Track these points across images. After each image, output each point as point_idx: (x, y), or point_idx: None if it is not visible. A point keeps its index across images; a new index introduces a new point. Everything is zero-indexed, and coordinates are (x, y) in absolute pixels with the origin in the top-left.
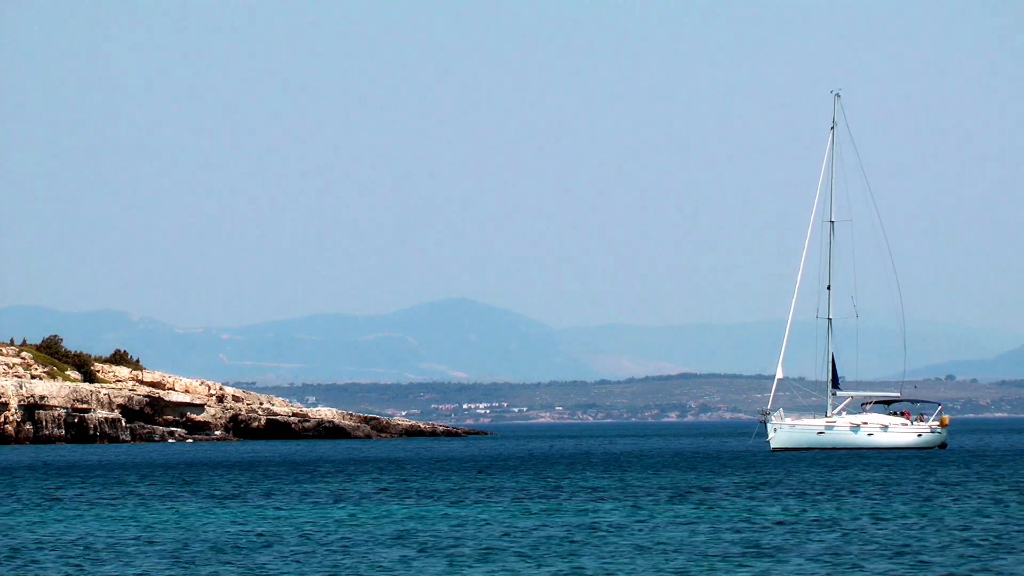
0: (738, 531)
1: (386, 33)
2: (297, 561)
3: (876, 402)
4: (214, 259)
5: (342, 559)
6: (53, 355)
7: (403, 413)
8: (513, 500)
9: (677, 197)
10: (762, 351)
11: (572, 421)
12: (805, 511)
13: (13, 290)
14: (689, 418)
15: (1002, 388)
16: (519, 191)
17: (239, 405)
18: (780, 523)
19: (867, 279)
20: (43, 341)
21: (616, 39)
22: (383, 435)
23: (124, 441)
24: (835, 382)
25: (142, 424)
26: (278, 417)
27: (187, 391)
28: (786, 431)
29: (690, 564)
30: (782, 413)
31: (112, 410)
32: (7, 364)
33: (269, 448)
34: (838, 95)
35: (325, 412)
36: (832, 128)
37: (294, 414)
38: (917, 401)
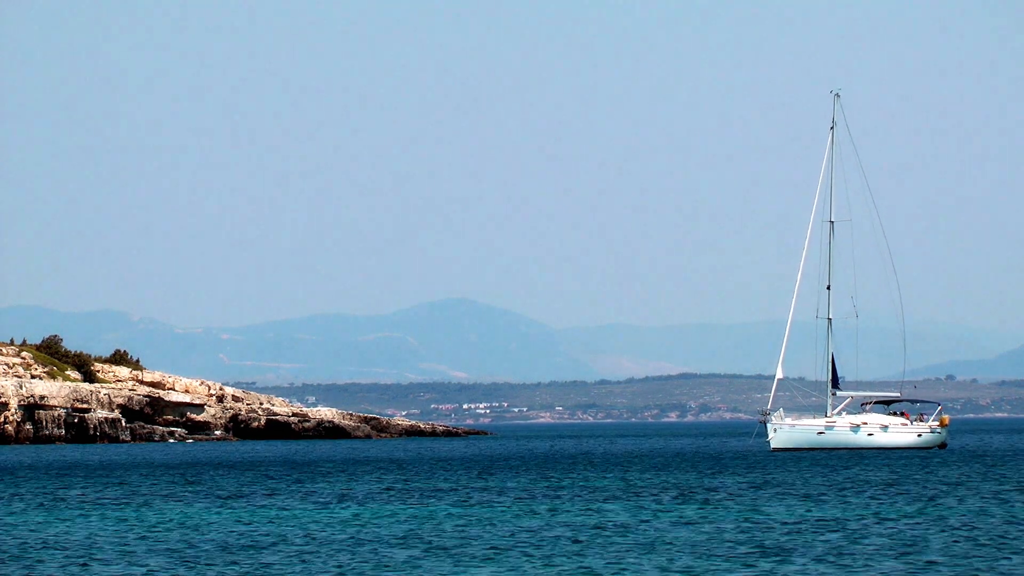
0: (742, 531)
1: (386, 33)
2: (303, 561)
3: (876, 402)
4: (214, 259)
5: (348, 559)
6: (53, 355)
7: (403, 413)
8: (517, 500)
9: (677, 197)
10: (762, 351)
11: (572, 421)
12: (809, 511)
13: (13, 290)
14: (689, 418)
15: (1002, 388)
16: (519, 191)
17: (239, 405)
18: (784, 523)
19: (867, 279)
20: (43, 341)
21: (616, 39)
22: (383, 435)
23: (124, 441)
24: (835, 382)
25: (142, 424)
26: (278, 417)
27: (187, 391)
28: (786, 431)
29: (695, 564)
30: (782, 413)
31: (112, 410)
32: (7, 364)
33: (269, 448)
34: (838, 95)
35: (325, 412)
36: (832, 128)
37: (294, 414)
38: (917, 401)
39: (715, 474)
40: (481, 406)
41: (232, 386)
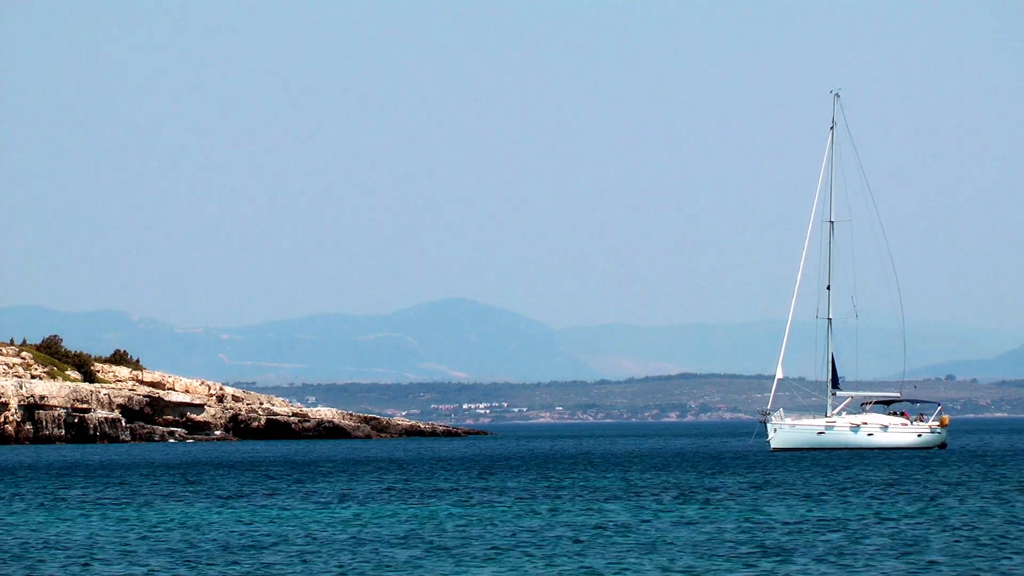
0: (743, 531)
1: (386, 33)
2: (304, 561)
3: (876, 402)
4: (214, 259)
5: (349, 559)
6: (53, 355)
7: (403, 413)
8: (518, 500)
9: (677, 197)
10: (762, 351)
11: (572, 421)
12: (810, 511)
13: (13, 290)
14: (689, 418)
15: (1002, 388)
16: (519, 191)
17: (239, 405)
18: (785, 523)
19: (867, 279)
20: (43, 341)
21: (616, 39)
22: (383, 435)
23: (124, 441)
24: (835, 382)
25: (142, 424)
26: (278, 417)
27: (187, 391)
28: (786, 431)
29: (696, 564)
30: (782, 413)
31: (112, 410)
32: (7, 364)
33: (269, 448)
34: (837, 95)
35: (325, 412)
36: (832, 128)
37: (294, 414)
38: (917, 401)
39: (716, 474)
40: (481, 406)
41: (232, 386)
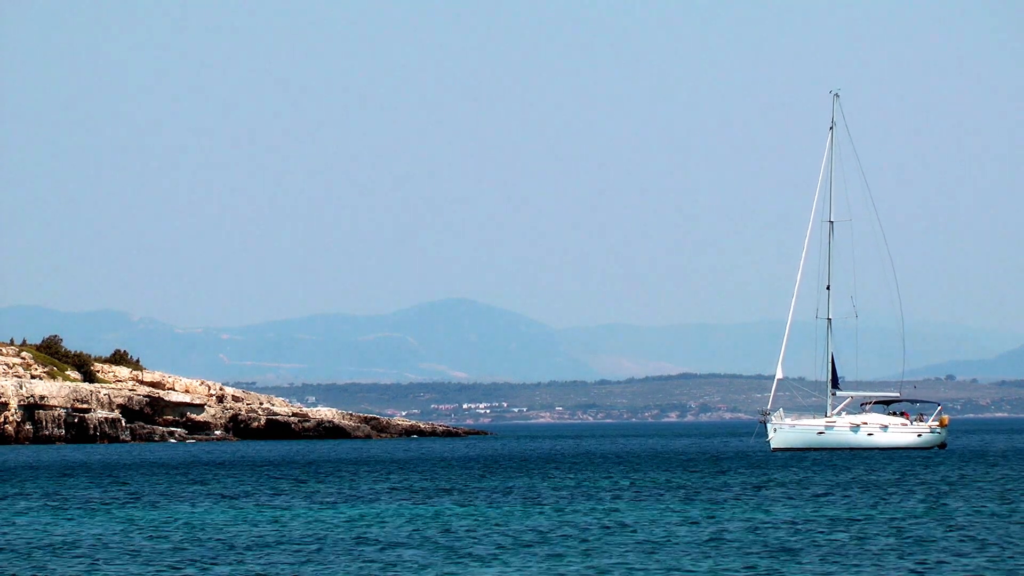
0: (747, 531)
1: (386, 33)
2: (311, 561)
3: (876, 402)
4: (214, 259)
5: (354, 559)
6: (53, 355)
7: (403, 413)
8: (522, 500)
9: (677, 197)
10: (762, 351)
11: (572, 421)
12: (815, 510)
13: (13, 290)
14: (689, 418)
15: (1002, 388)
16: (519, 191)
17: (239, 405)
18: (788, 523)
19: (867, 279)
20: (43, 341)
21: (616, 39)
22: (383, 435)
23: (124, 441)
24: (835, 382)
25: (142, 424)
26: (278, 417)
27: (187, 391)
28: (786, 431)
29: (701, 563)
30: (782, 413)
31: (112, 410)
32: (7, 364)
33: (270, 448)
34: (837, 95)
35: (325, 412)
36: (831, 128)
37: (294, 414)
38: (917, 401)
39: (718, 474)
40: (481, 406)
41: (232, 386)
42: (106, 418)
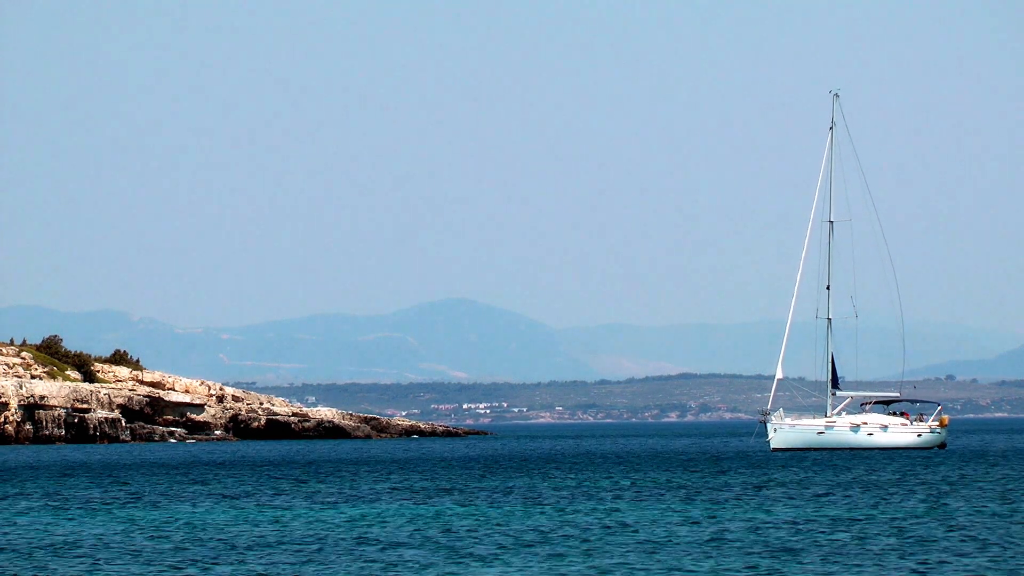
0: (749, 531)
1: (386, 33)
2: (312, 561)
3: (876, 402)
4: (214, 259)
5: (356, 559)
6: (53, 355)
7: (403, 413)
8: (522, 500)
9: (677, 197)
10: (762, 351)
11: (572, 421)
12: (816, 510)
13: (13, 290)
14: (689, 418)
15: (1002, 388)
16: (519, 191)
17: (239, 405)
18: (790, 523)
19: (866, 279)
20: (43, 341)
21: (616, 39)
22: (383, 435)
23: (124, 441)
24: (835, 382)
25: (142, 424)
26: (278, 417)
27: (187, 391)
28: (786, 431)
29: (703, 563)
30: (782, 413)
31: (112, 410)
32: (7, 364)
33: (270, 448)
34: (837, 95)
35: (325, 412)
36: (831, 128)
37: (294, 414)
38: (917, 401)
39: (719, 474)
40: (481, 406)
41: (232, 386)
42: (106, 418)
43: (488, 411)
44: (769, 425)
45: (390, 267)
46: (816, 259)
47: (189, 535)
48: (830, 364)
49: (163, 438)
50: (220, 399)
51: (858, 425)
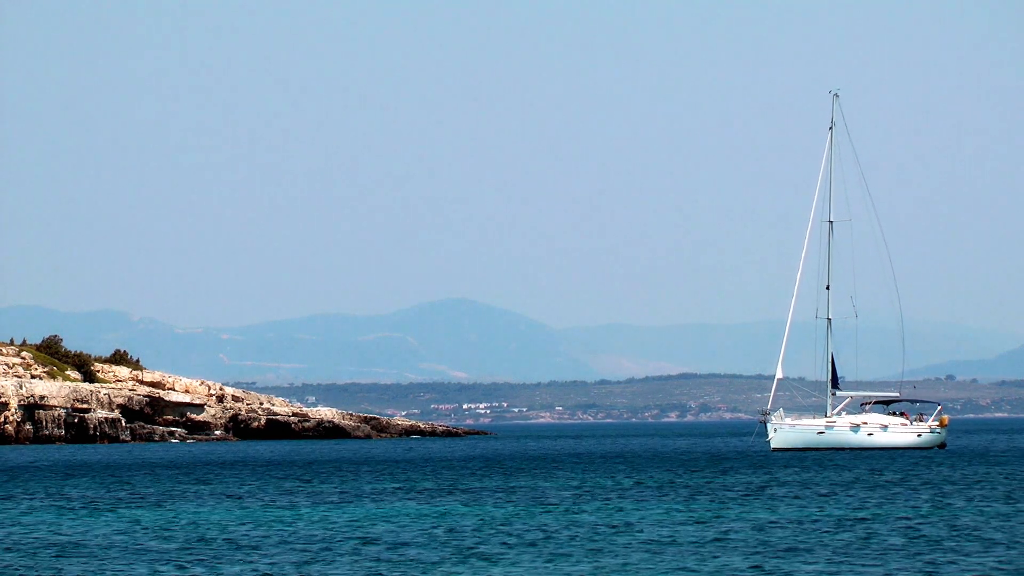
0: (753, 530)
1: (386, 33)
2: (317, 560)
3: (876, 402)
4: (214, 259)
5: (362, 558)
6: (53, 355)
7: (403, 413)
8: (528, 500)
9: (677, 197)
10: (762, 351)
11: (572, 421)
12: (819, 510)
13: (13, 290)
14: (689, 418)
15: (1002, 388)
16: (519, 191)
17: (239, 405)
18: (793, 522)
19: (866, 279)
20: (43, 341)
21: (616, 39)
22: (383, 435)
23: (124, 441)
24: (835, 382)
25: (142, 424)
26: (278, 417)
27: (187, 391)
28: (786, 431)
29: (707, 563)
30: (782, 413)
31: (112, 410)
32: (7, 364)
33: (270, 448)
34: (837, 95)
35: (325, 412)
36: (831, 128)
37: (294, 414)
38: (917, 401)
39: (721, 473)
40: (481, 406)
41: (232, 386)
42: (106, 418)
43: (488, 411)
44: (769, 425)
45: (390, 267)
46: (816, 259)
47: (194, 535)
48: (830, 364)
49: (163, 438)
50: (220, 399)
51: (858, 425)
